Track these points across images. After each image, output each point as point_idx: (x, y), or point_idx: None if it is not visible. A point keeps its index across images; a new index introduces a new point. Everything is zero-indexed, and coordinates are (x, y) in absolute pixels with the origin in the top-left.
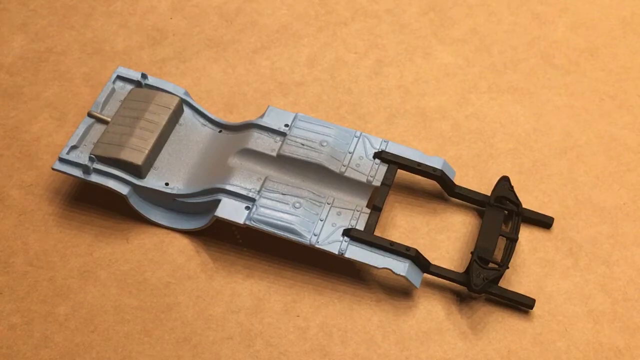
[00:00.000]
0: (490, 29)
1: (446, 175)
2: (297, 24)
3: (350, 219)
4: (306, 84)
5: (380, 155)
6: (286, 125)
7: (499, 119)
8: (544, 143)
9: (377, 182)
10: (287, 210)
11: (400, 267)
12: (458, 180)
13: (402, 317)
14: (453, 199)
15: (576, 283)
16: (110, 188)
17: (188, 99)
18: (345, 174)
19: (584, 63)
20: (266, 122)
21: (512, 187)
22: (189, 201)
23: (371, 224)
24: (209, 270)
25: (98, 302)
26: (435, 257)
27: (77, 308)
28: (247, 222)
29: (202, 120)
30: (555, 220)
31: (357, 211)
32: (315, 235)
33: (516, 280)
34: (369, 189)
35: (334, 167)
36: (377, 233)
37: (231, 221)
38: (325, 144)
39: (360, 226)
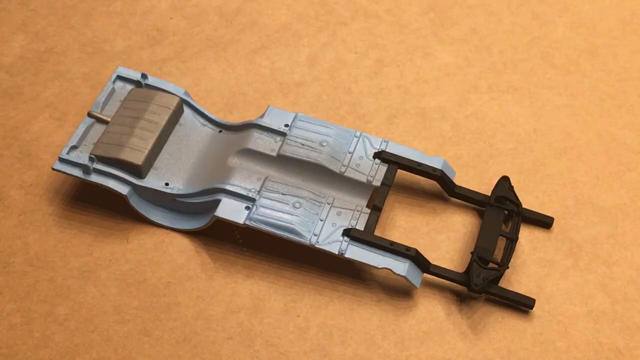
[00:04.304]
0: (490, 29)
1: (446, 175)
2: (297, 24)
3: (350, 219)
4: (306, 84)
5: (380, 155)
6: (286, 125)
7: (499, 119)
8: (544, 143)
9: (377, 182)
10: (287, 210)
11: (400, 267)
12: (458, 180)
13: (402, 317)
14: (453, 199)
15: (576, 283)
16: (110, 188)
17: (188, 99)
18: (345, 174)
19: (584, 63)
20: (266, 122)
21: (512, 187)
22: (189, 201)
23: (371, 224)
24: (209, 270)
25: (98, 302)
26: (435, 257)
27: (77, 308)
28: (247, 222)
29: (202, 120)
30: (555, 220)
31: (357, 211)
32: (315, 235)
33: (516, 280)
34: (369, 189)
35: (334, 167)
36: (377, 233)
37: (231, 221)
38: (325, 144)
39: (360, 226)
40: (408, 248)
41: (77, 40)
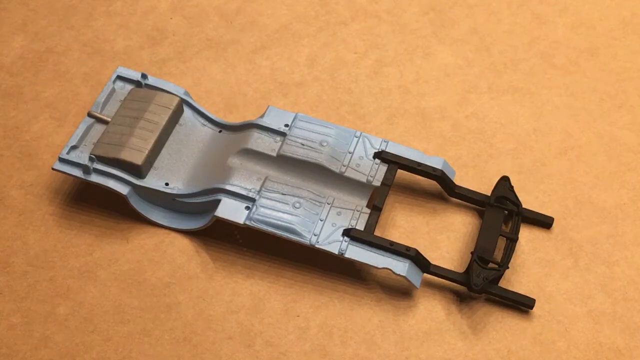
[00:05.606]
0: (490, 29)
1: (446, 175)
2: (297, 24)
3: (350, 219)
4: (306, 84)
5: (380, 155)
6: (286, 125)
7: (499, 119)
8: (544, 143)
9: (377, 182)
10: (287, 210)
11: (400, 267)
12: (458, 180)
13: (402, 317)
14: (453, 199)
15: (576, 283)
16: (110, 188)
17: (188, 99)
18: (345, 174)
19: (584, 63)
20: (266, 122)
21: (512, 187)
22: (189, 201)
23: (371, 224)
24: (209, 270)
25: (98, 302)
26: (435, 257)
27: (77, 308)
28: (247, 222)
29: (202, 120)
30: (555, 220)
31: (357, 211)
32: (315, 235)
33: (516, 280)
34: (369, 189)
35: (334, 167)
36: (377, 233)
37: (231, 221)
38: (325, 144)
39: (360, 226)
40: (408, 248)
41: (77, 40)
